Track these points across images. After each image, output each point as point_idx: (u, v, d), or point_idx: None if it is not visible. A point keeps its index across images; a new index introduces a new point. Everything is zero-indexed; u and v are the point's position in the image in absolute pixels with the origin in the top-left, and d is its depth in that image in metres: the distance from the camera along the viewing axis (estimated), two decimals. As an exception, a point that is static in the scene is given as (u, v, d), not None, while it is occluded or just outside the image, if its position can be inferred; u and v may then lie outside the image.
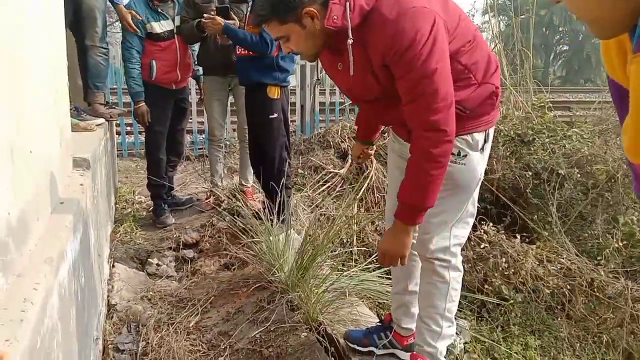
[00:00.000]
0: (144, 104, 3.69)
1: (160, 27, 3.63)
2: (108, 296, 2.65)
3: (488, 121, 1.74)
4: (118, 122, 6.07)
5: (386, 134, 4.48)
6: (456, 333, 2.70)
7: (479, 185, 1.81)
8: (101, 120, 3.33)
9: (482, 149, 1.75)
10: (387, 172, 3.74)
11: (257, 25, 1.74)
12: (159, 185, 4.01)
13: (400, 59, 1.49)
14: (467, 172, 1.74)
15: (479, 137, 1.72)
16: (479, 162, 1.75)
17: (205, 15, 3.39)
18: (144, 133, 6.87)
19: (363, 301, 2.61)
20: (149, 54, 3.66)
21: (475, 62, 1.64)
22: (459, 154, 1.70)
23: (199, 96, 4.47)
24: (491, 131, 1.78)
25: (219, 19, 3.31)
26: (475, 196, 1.84)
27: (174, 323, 2.48)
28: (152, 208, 4.03)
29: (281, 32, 1.58)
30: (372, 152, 2.26)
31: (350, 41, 1.53)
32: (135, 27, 3.54)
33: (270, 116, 3.31)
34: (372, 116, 1.92)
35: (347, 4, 1.51)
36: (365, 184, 4.28)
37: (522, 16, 6.29)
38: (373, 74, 1.59)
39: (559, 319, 3.20)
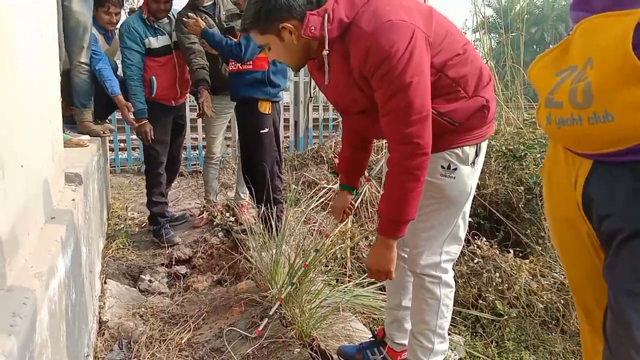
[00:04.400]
0: (147, 121, 3.68)
1: (157, 42, 3.66)
2: (99, 312, 2.62)
3: (480, 135, 1.72)
4: (111, 138, 6.07)
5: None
6: (450, 349, 2.69)
7: (470, 200, 1.79)
8: (87, 137, 3.28)
9: (474, 162, 1.73)
10: (382, 187, 3.74)
11: (243, 31, 1.78)
12: (162, 203, 3.99)
13: (375, 72, 1.50)
14: (456, 186, 1.71)
15: (470, 150, 1.71)
16: (469, 176, 1.72)
17: (190, 15, 3.44)
18: (137, 149, 6.92)
19: (357, 316, 2.60)
20: (148, 70, 3.69)
21: (463, 75, 1.63)
22: (448, 167, 1.69)
23: (195, 112, 4.46)
24: (483, 145, 1.77)
25: (202, 22, 3.36)
26: (467, 211, 1.81)
27: (165, 339, 2.45)
28: (154, 228, 3.96)
29: (262, 41, 1.66)
30: (355, 203, 2.16)
31: (325, 52, 1.57)
32: (133, 122, 3.63)
33: (261, 131, 3.33)
34: (361, 129, 1.90)
35: (326, 15, 1.54)
36: (359, 199, 4.28)
37: (513, 34, 6.37)
38: (357, 85, 1.60)
39: (553, 334, 3.19)
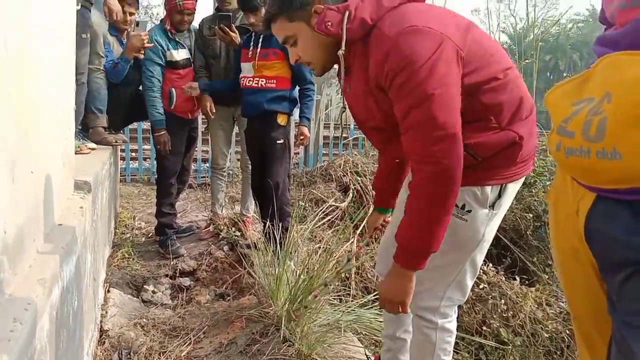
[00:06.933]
0: (165, 132, 3.71)
1: (178, 54, 3.70)
2: (101, 321, 2.62)
3: (507, 176, 1.52)
4: (123, 147, 6.12)
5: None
6: (453, 375, 2.65)
7: (482, 247, 1.61)
8: (94, 144, 3.32)
9: (493, 205, 1.53)
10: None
11: (268, 20, 1.57)
12: (171, 214, 4.01)
13: (393, 81, 1.35)
14: (466, 230, 1.54)
15: (492, 191, 1.52)
16: (483, 221, 1.54)
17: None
18: (148, 159, 6.98)
19: (359, 337, 2.57)
20: (168, 82, 3.72)
21: (499, 103, 1.44)
22: (462, 208, 1.51)
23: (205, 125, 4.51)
24: (511, 187, 1.56)
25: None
26: (478, 259, 1.63)
27: (165, 352, 2.44)
28: (160, 238, 3.96)
29: (289, 31, 1.51)
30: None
31: (340, 52, 1.43)
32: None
33: (277, 142, 3.40)
34: (379, 147, 1.79)
35: (347, 13, 1.40)
36: (366, 219, 4.27)
37: (527, 60, 6.38)
38: (373, 96, 1.46)
39: (557, 365, 3.14)
